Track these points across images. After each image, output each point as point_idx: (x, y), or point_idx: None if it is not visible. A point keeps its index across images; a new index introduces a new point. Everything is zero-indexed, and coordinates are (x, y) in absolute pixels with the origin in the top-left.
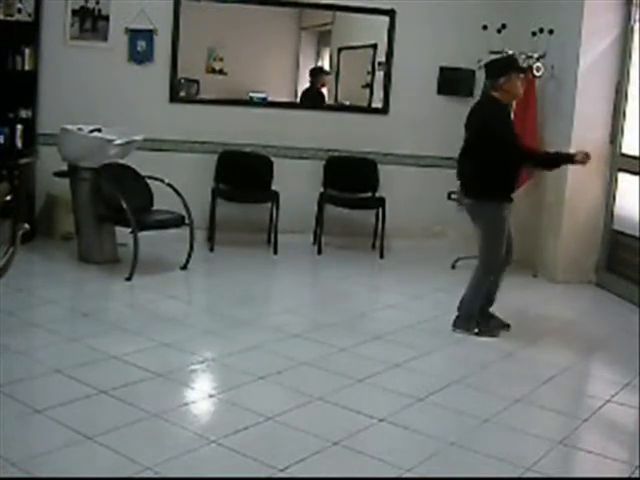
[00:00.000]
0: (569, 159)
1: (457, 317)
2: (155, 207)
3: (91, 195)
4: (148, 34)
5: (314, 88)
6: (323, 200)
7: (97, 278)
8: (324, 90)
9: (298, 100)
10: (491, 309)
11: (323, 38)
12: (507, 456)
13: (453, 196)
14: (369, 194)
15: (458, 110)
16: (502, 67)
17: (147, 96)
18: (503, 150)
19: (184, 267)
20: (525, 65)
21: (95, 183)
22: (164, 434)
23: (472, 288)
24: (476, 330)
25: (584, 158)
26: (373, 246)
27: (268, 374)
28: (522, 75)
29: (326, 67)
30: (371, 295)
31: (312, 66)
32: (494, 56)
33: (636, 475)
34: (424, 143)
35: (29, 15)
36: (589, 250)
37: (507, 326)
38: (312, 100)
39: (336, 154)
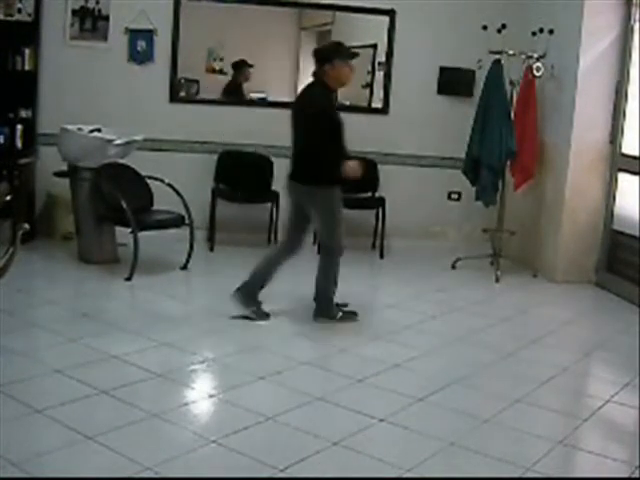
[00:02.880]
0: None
1: (316, 308)
2: (155, 207)
3: (91, 195)
4: (148, 34)
5: (236, 82)
6: None
7: (97, 278)
8: (245, 85)
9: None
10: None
11: (323, 38)
12: (507, 456)
13: (453, 196)
14: (369, 194)
15: (458, 110)
16: (329, 53)
17: (147, 96)
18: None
19: (184, 267)
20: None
21: (95, 183)
22: (164, 434)
23: (323, 275)
24: (340, 315)
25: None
26: (373, 246)
27: (268, 374)
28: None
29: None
30: (371, 295)
31: (235, 60)
32: (494, 56)
33: (636, 475)
34: (424, 143)
35: (29, 15)
36: (589, 250)
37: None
38: (232, 95)
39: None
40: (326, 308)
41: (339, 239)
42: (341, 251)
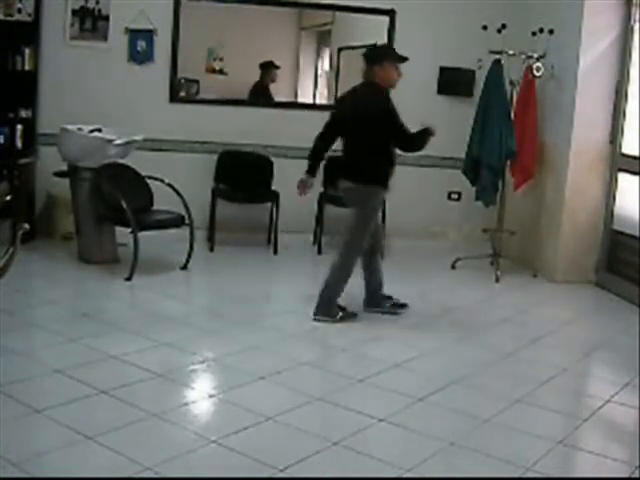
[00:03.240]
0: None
1: (317, 305)
2: (155, 207)
3: (91, 195)
4: (148, 34)
5: (263, 84)
6: (323, 200)
7: (97, 278)
8: (271, 86)
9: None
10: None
11: (323, 38)
12: (507, 456)
13: (453, 196)
14: None
15: (458, 110)
16: (379, 55)
17: (147, 96)
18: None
19: (184, 267)
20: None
21: (95, 183)
22: (164, 434)
23: (336, 273)
24: (340, 315)
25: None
26: None
27: (268, 374)
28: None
29: (326, 67)
30: None
31: (262, 60)
32: (494, 56)
33: (636, 475)
34: None
35: (29, 15)
36: (589, 250)
37: (404, 305)
38: (260, 96)
39: (336, 154)
40: (327, 306)
41: (364, 240)
42: (362, 252)
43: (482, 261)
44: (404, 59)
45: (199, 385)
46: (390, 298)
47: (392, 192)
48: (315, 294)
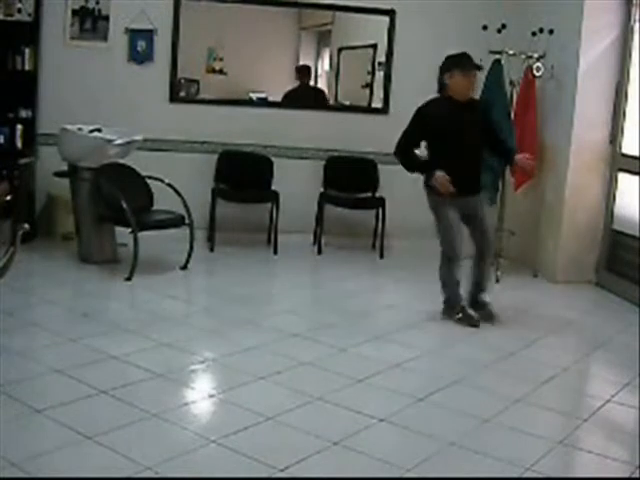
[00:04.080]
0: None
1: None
2: (155, 207)
3: (91, 195)
4: (148, 34)
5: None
6: (323, 200)
7: (97, 278)
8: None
9: (281, 98)
10: (487, 299)
11: (323, 38)
12: (507, 456)
13: None
14: (369, 194)
15: None
16: (449, 64)
17: (147, 96)
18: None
19: (184, 267)
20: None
21: (95, 183)
22: (164, 434)
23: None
24: (458, 316)
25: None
26: (373, 246)
27: (268, 374)
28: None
29: (326, 67)
30: (371, 295)
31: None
32: (494, 56)
33: (636, 475)
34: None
35: (29, 15)
36: (589, 250)
37: (492, 317)
38: (304, 98)
39: (336, 154)
40: (446, 307)
41: (449, 245)
42: (456, 257)
43: None
44: (478, 67)
45: (199, 385)
46: (484, 305)
47: (392, 192)
48: (314, 294)
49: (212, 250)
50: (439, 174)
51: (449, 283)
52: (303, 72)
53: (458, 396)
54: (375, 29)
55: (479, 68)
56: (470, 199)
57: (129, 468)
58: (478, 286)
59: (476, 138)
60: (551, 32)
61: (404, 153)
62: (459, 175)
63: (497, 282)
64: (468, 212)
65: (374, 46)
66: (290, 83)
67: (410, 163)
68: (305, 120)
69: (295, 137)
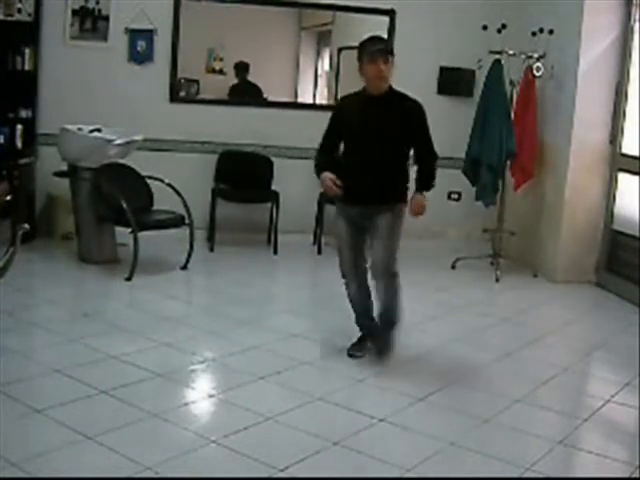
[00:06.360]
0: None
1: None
2: (155, 207)
3: (91, 195)
4: (148, 34)
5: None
6: (323, 200)
7: (97, 278)
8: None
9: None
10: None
11: (323, 38)
12: (507, 456)
13: (453, 196)
14: None
15: (458, 110)
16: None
17: (147, 96)
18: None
19: (184, 267)
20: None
21: (95, 183)
22: (164, 434)
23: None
24: (350, 346)
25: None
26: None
27: (268, 374)
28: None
29: (326, 67)
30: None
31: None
32: (494, 56)
33: (636, 475)
34: None
35: (29, 15)
36: (589, 250)
37: (382, 356)
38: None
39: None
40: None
41: (339, 259)
42: (342, 274)
43: (482, 261)
44: (385, 52)
45: (199, 385)
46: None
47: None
48: (314, 294)
49: (212, 250)
50: (325, 175)
51: (351, 302)
52: (241, 68)
53: (458, 396)
54: (375, 29)
55: (388, 52)
56: (373, 209)
57: (129, 468)
58: (382, 317)
59: (388, 140)
60: (551, 32)
61: (319, 154)
62: (359, 180)
63: (497, 282)
64: (369, 225)
65: None
66: (290, 83)
67: (317, 165)
68: (305, 120)
69: (295, 137)
